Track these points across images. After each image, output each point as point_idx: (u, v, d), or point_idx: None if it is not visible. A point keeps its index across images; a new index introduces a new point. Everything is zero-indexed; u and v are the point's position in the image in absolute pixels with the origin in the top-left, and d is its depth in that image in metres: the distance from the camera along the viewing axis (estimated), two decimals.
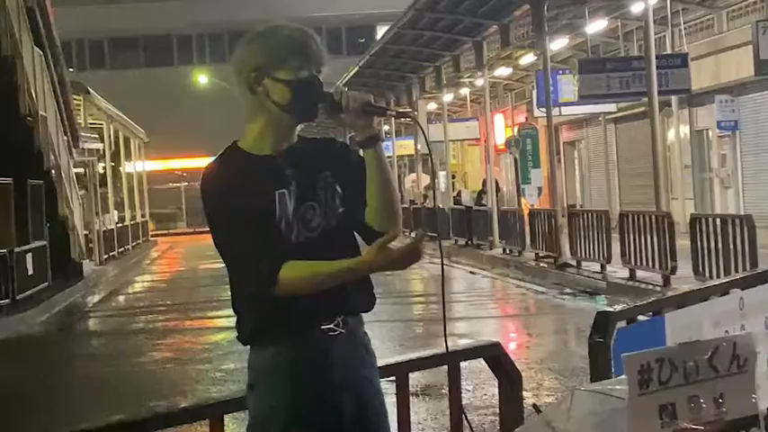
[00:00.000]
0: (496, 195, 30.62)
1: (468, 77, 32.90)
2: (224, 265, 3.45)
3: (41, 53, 25.91)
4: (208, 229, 3.44)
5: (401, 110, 3.30)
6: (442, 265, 3.63)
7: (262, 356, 3.36)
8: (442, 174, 37.50)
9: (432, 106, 39.08)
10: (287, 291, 3.24)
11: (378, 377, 3.50)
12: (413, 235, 3.36)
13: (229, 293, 3.44)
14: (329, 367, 3.32)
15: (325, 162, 3.43)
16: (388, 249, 3.23)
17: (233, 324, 3.45)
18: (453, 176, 40.35)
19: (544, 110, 23.87)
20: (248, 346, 3.41)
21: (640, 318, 4.87)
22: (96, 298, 23.99)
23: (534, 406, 3.03)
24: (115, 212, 40.38)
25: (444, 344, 3.68)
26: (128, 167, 45.62)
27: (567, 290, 18.77)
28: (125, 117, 40.92)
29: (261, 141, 3.43)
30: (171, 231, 56.84)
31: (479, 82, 31.49)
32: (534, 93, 31.63)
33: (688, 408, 2.53)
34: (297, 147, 3.45)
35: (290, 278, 3.24)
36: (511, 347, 12.49)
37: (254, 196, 3.30)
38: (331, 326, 3.34)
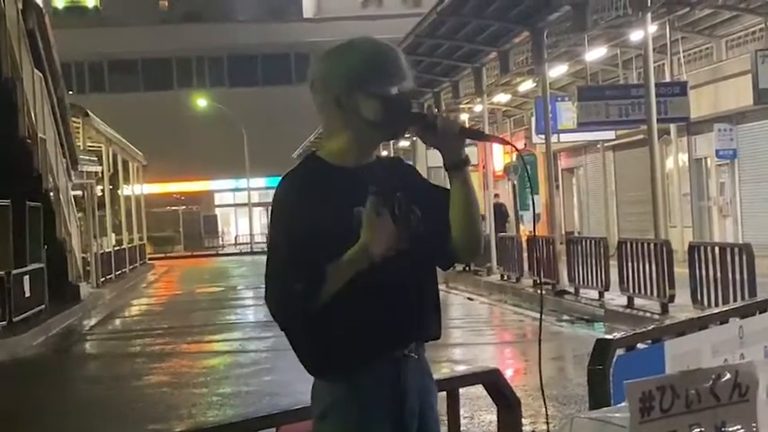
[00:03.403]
0: (505, 222, 30.60)
1: (467, 103, 32.92)
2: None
3: (41, 76, 25.97)
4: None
5: (498, 135, 3.26)
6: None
7: (333, 384, 3.27)
8: None
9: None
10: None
11: (437, 403, 3.45)
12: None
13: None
14: (402, 394, 3.27)
15: (398, 181, 3.34)
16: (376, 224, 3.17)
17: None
18: None
19: (543, 136, 23.88)
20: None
21: (639, 345, 4.86)
22: (93, 321, 23.94)
23: None
24: (113, 235, 40.39)
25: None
26: (126, 190, 45.63)
27: (565, 317, 18.73)
28: (124, 140, 40.97)
29: (343, 155, 3.34)
30: (168, 255, 56.79)
31: (478, 108, 31.51)
32: (533, 119, 31.67)
33: None
34: (376, 164, 3.39)
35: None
36: (508, 374, 12.44)
37: (321, 209, 3.21)
38: (405, 352, 3.28)
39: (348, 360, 3.25)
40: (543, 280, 21.74)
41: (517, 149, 3.87)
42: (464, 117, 36.29)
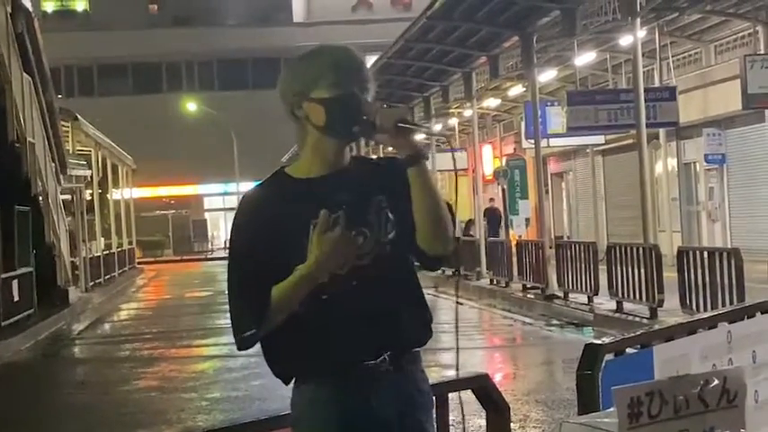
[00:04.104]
0: (498, 227, 30.63)
1: (457, 108, 32.97)
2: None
3: (30, 79, 25.89)
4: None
5: (437, 131, 3.12)
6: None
7: (302, 393, 3.24)
8: None
9: (420, 136, 39.03)
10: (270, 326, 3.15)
11: (430, 420, 3.33)
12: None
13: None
14: (370, 406, 3.17)
15: (380, 185, 3.24)
16: (324, 240, 3.07)
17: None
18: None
19: (532, 141, 23.91)
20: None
21: (628, 350, 4.86)
22: (82, 325, 23.88)
23: None
24: (102, 239, 40.31)
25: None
26: (115, 194, 45.54)
27: (555, 321, 18.74)
28: (113, 144, 40.89)
29: (308, 166, 3.28)
30: (157, 259, 56.67)
31: (468, 113, 31.55)
32: (522, 124, 31.72)
33: None
34: (349, 169, 3.29)
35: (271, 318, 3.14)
36: (497, 379, 12.45)
37: (276, 226, 3.16)
38: (376, 362, 3.18)
39: (309, 372, 3.21)
40: (533, 284, 21.81)
41: (450, 143, 3.87)
42: (454, 121, 36.37)
